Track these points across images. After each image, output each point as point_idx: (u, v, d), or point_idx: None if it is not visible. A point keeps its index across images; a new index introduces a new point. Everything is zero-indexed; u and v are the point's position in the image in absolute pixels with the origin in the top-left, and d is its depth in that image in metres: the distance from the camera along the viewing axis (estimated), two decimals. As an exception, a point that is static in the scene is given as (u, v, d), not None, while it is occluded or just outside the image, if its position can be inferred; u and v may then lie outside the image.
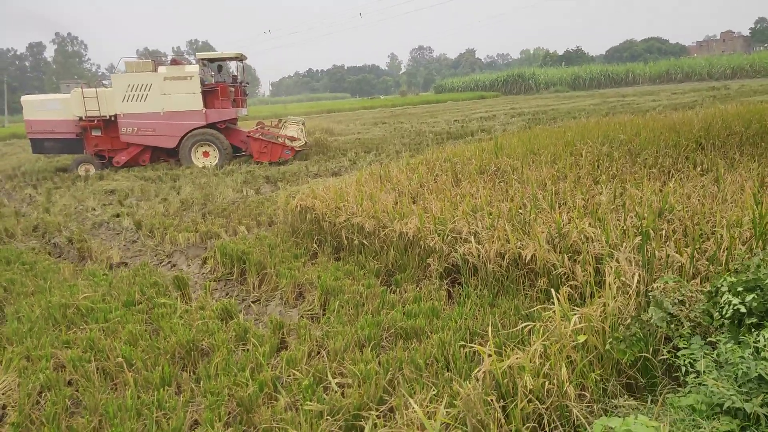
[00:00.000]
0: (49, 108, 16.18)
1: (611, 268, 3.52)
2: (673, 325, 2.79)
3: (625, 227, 4.41)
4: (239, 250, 6.18)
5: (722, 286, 2.65)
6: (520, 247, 4.36)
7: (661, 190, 5.59)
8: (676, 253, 3.75)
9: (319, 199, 6.70)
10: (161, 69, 15.81)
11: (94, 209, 10.77)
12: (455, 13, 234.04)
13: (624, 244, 3.98)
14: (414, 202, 6.30)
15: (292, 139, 16.08)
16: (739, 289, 2.53)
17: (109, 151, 16.24)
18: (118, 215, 9.82)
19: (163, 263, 7.24)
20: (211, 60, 17.16)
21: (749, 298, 2.45)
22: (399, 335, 4.00)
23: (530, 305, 4.01)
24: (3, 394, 3.56)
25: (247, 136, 16.17)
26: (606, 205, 5.06)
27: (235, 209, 9.47)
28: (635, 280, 3.45)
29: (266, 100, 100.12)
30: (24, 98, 16.87)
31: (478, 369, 2.71)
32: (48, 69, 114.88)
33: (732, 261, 3.61)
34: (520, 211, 5.22)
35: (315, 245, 6.32)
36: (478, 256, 4.60)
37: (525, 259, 4.23)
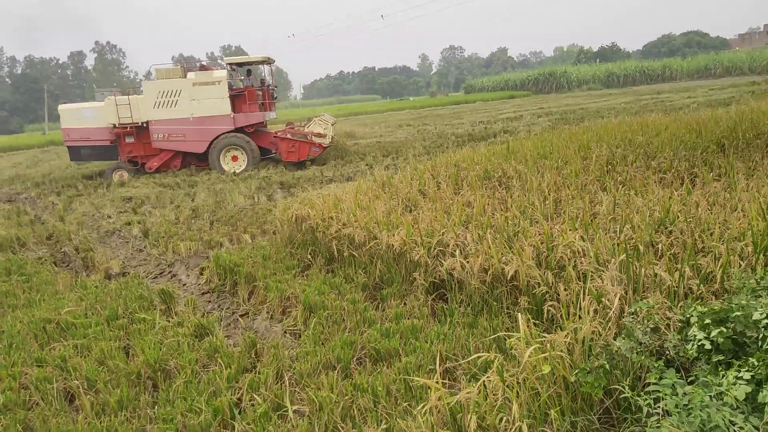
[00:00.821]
0: (85, 116, 16.56)
1: (588, 287, 3.26)
2: (644, 356, 2.52)
3: (618, 241, 4.12)
4: (231, 261, 6.09)
5: (692, 316, 2.38)
6: (503, 263, 4.12)
7: (670, 198, 5.24)
8: (666, 271, 3.46)
9: (315, 208, 6.56)
10: (190, 75, 16.00)
11: (110, 217, 10.90)
12: (486, 11, 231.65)
13: (613, 260, 3.70)
14: (410, 211, 6.10)
15: (319, 135, 16.02)
16: (707, 321, 2.26)
17: (141, 158, 16.55)
18: (129, 223, 9.90)
19: (164, 273, 7.22)
20: (240, 64, 17.27)
21: (715, 332, 2.18)
22: (371, 357, 3.82)
23: (511, 325, 3.78)
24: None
25: (274, 137, 16.21)
26: (603, 216, 4.77)
27: (243, 217, 9.43)
28: (616, 302, 3.19)
29: (297, 103, 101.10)
30: (61, 107, 17.31)
31: (422, 405, 2.51)
32: (88, 77, 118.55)
33: (728, 280, 3.31)
34: (514, 222, 4.97)
35: (309, 256, 6.18)
36: (463, 271, 4.37)
37: (507, 275, 3.99)
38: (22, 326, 4.66)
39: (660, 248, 3.93)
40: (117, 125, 15.97)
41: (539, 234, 4.48)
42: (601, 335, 3.05)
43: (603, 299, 3.32)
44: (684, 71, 64.73)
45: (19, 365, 3.95)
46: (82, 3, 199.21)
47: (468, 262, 4.36)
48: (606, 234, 4.38)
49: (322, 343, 4.08)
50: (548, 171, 7.09)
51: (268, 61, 17.24)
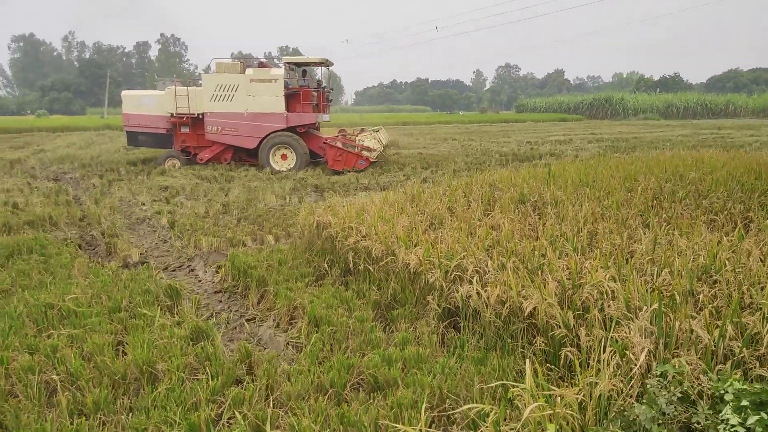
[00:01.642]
0: (145, 103, 16.97)
1: (612, 336, 2.89)
2: (666, 430, 2.16)
3: (654, 286, 3.71)
4: (246, 263, 5.92)
5: (726, 392, 2.01)
6: (523, 296, 3.77)
7: (718, 243, 4.77)
8: (705, 328, 3.05)
9: (337, 216, 6.34)
10: (248, 71, 16.14)
11: (143, 204, 10.98)
12: (546, 32, 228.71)
13: (645, 308, 3.31)
14: (434, 229, 5.79)
15: (368, 149, 15.90)
16: (744, 402, 1.89)
17: (194, 148, 16.82)
18: (159, 212, 9.93)
19: (183, 267, 7.12)
20: (297, 64, 17.34)
21: (753, 419, 1.81)
22: (369, 383, 3.53)
23: (524, 367, 3.42)
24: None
25: (324, 143, 16.17)
26: (641, 256, 4.35)
27: (270, 217, 9.31)
28: (642, 357, 2.81)
29: (348, 109, 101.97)
30: (124, 93, 17.81)
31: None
32: (151, 67, 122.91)
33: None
34: (541, 252, 4.60)
35: (326, 265, 5.95)
36: (479, 300, 4.04)
37: (524, 311, 3.64)
38: (24, 309, 4.59)
39: (700, 299, 3.51)
40: (174, 114, 16.29)
41: (567, 268, 4.11)
42: (621, 394, 2.68)
43: (628, 352, 2.94)
44: (749, 108, 62.02)
45: (10, 350, 3.84)
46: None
47: (485, 291, 4.03)
48: (641, 276, 3.97)
49: (320, 363, 3.82)
50: (588, 200, 6.66)
51: (326, 63, 17.23)
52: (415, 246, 5.03)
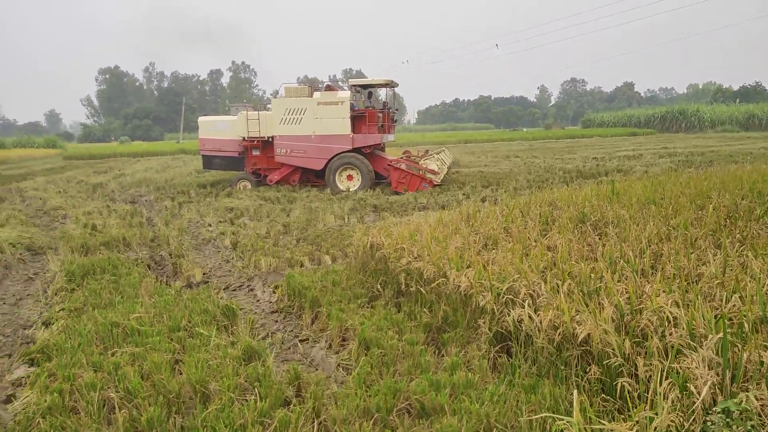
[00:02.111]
0: (219, 128, 17.85)
1: (671, 367, 2.70)
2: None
3: (722, 313, 3.46)
4: (301, 283, 6.01)
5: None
6: (576, 321, 3.60)
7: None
8: (779, 360, 2.80)
9: (390, 236, 6.34)
10: (316, 94, 16.65)
11: (210, 225, 11.43)
12: (613, 44, 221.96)
13: (710, 337, 3.08)
14: (488, 250, 5.67)
15: (433, 172, 15.95)
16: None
17: (264, 170, 17.46)
18: (224, 233, 10.29)
19: (243, 286, 7.32)
20: (363, 86, 17.71)
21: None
22: (415, 409, 3.47)
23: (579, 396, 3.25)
24: (18, 411, 3.65)
25: (389, 165, 16.35)
26: (709, 280, 4.07)
27: (328, 237, 9.44)
28: (704, 390, 2.61)
29: (410, 128, 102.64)
30: (201, 119, 18.82)
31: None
32: (223, 93, 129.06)
33: None
34: (598, 274, 4.40)
35: (378, 287, 5.95)
36: (532, 324, 3.90)
37: (578, 337, 3.47)
38: (93, 327, 4.84)
39: (775, 328, 3.23)
40: (246, 138, 16.96)
41: (626, 292, 3.90)
42: (680, 430, 2.49)
43: (689, 384, 2.74)
44: (842, 117, 57.42)
45: (77, 367, 4.06)
46: (224, 24, 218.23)
47: (537, 315, 3.89)
48: (708, 302, 3.71)
49: (368, 386, 3.80)
50: (654, 219, 6.33)
51: (391, 85, 17.50)
52: (467, 267, 4.94)
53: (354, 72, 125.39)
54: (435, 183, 15.83)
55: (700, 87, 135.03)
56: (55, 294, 6.59)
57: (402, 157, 17.06)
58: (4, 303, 6.73)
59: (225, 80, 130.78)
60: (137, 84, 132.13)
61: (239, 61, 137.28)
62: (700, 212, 6.69)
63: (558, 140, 49.19)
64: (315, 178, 17.25)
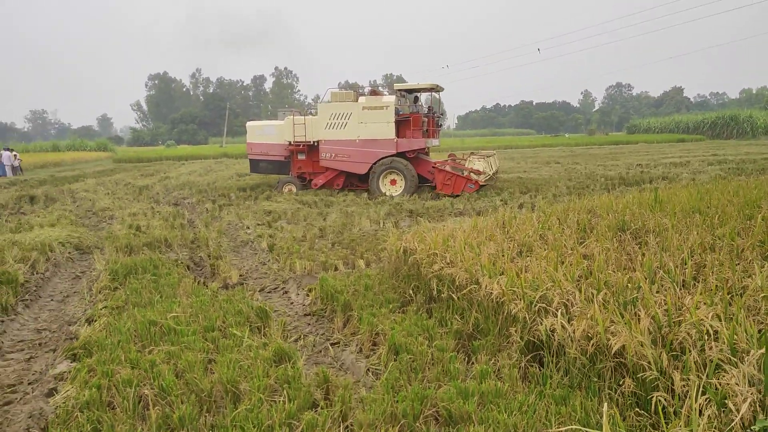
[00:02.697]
0: (266, 133, 18.19)
1: (707, 382, 2.60)
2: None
3: (766, 327, 3.30)
4: (333, 287, 6.05)
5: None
6: (610, 332, 3.50)
7: None
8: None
9: (424, 242, 6.31)
10: (361, 99, 16.78)
11: (248, 228, 11.64)
12: (662, 48, 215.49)
13: (752, 353, 2.95)
14: (523, 257, 5.58)
15: (477, 172, 15.87)
16: None
17: (309, 174, 17.70)
18: (261, 236, 10.46)
19: (278, 288, 7.42)
20: (409, 90, 17.74)
21: None
22: (442, 417, 3.44)
23: (610, 410, 3.16)
24: (59, 404, 3.80)
25: (433, 167, 16.39)
26: (754, 292, 3.89)
27: (363, 241, 9.47)
28: (744, 408, 2.49)
29: (450, 133, 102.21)
30: (248, 124, 19.23)
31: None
32: (266, 98, 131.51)
33: None
34: (635, 285, 4.26)
35: (410, 292, 5.93)
36: (564, 333, 3.81)
37: (612, 349, 3.37)
38: (132, 325, 4.99)
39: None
40: (292, 142, 17.21)
41: (664, 303, 3.77)
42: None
43: (728, 401, 2.63)
44: None
45: (115, 364, 4.19)
46: (268, 28, 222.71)
47: (571, 324, 3.80)
48: (752, 315, 3.55)
49: (396, 392, 3.78)
50: (698, 228, 6.10)
51: (436, 89, 17.48)
52: (500, 274, 4.87)
53: (395, 77, 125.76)
54: (480, 183, 15.71)
55: (754, 92, 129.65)
56: (99, 292, 6.83)
57: (447, 160, 17.01)
58: (52, 300, 7.03)
59: (268, 85, 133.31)
60: (184, 89, 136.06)
61: (282, 67, 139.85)
62: (748, 222, 6.41)
63: (601, 146, 48.09)
64: (359, 182, 17.35)
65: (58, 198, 17.66)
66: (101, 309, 5.95)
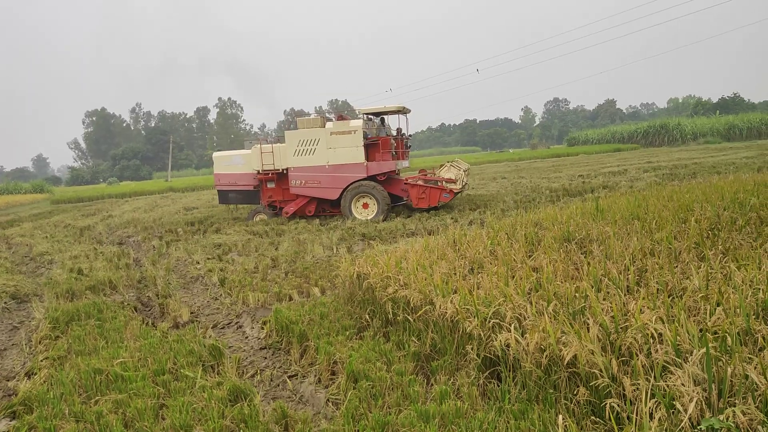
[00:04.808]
0: (234, 162, 17.82)
1: (655, 385, 2.68)
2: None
3: (706, 326, 3.45)
4: (288, 318, 5.95)
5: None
6: (562, 343, 3.57)
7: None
8: (763, 373, 2.78)
9: (376, 266, 6.31)
10: (329, 124, 16.74)
11: (198, 263, 11.33)
12: (594, 63, 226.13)
13: (695, 352, 3.07)
14: (474, 274, 5.65)
15: (450, 181, 16.02)
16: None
17: (280, 202, 17.45)
18: (211, 270, 10.20)
19: (231, 324, 7.23)
20: (375, 114, 17.74)
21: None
22: (404, 442, 3.40)
23: (567, 420, 3.21)
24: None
25: (405, 183, 16.50)
26: (692, 293, 4.07)
27: (316, 269, 9.38)
28: (691, 408, 2.58)
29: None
30: (215, 154, 18.76)
31: None
32: (210, 129, 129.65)
33: None
34: (583, 294, 4.38)
35: (367, 317, 5.90)
36: (519, 348, 3.86)
37: (564, 359, 3.44)
38: (75, 375, 4.74)
39: (758, 340, 3.22)
40: (260, 171, 16.98)
41: (610, 310, 3.89)
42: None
43: (676, 402, 2.71)
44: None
45: (58, 419, 3.96)
46: (208, 62, 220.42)
47: (524, 338, 3.86)
48: (692, 316, 3.70)
49: (357, 420, 3.72)
50: (637, 234, 6.36)
51: (403, 111, 17.58)
52: (453, 293, 4.91)
53: (340, 102, 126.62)
54: (455, 191, 15.93)
55: (680, 101, 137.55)
56: (39, 342, 6.47)
57: (417, 175, 17.18)
58: (-13, 354, 6.60)
59: (212, 116, 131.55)
60: (124, 125, 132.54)
61: (225, 97, 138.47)
62: (683, 225, 6.74)
63: (544, 159, 49.68)
64: (331, 207, 17.25)
65: (-8, 245, 16.72)
66: (42, 360, 5.63)
